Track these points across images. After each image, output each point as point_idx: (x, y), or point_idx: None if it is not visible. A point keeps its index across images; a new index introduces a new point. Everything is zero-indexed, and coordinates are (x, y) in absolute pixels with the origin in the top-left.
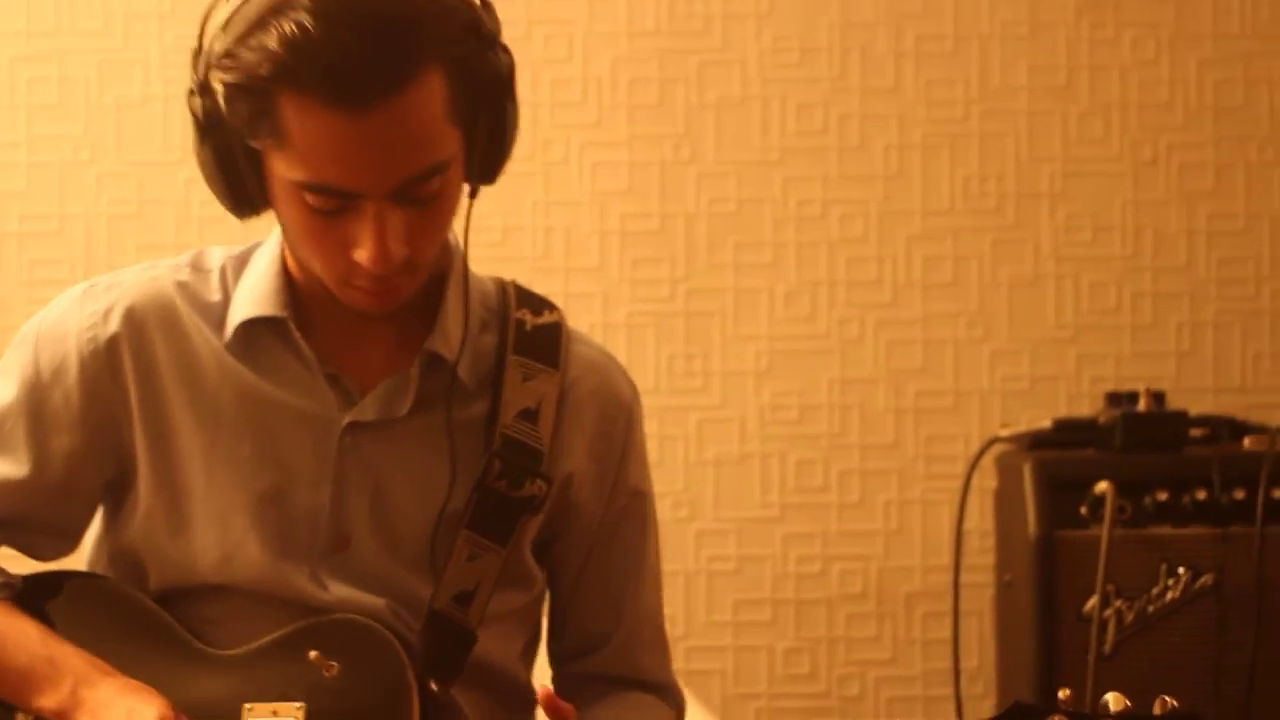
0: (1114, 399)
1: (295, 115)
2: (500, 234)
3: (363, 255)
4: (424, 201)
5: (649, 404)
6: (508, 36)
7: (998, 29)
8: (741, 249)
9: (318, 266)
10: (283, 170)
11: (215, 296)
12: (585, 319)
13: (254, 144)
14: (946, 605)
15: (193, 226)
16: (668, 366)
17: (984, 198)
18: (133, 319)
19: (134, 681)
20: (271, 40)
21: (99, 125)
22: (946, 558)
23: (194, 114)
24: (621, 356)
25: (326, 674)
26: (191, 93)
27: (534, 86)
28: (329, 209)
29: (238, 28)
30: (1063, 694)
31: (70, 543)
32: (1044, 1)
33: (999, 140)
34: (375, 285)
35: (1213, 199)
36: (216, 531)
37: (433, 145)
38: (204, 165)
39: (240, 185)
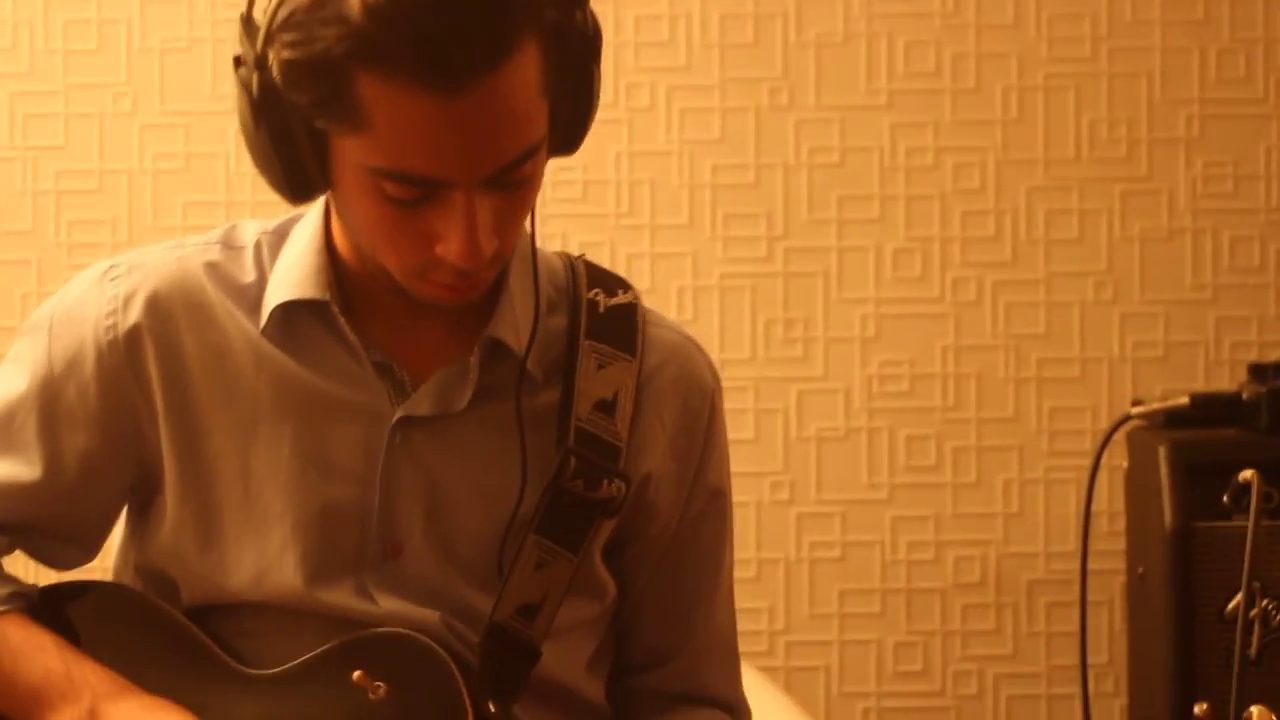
0: (1258, 371)
1: (377, 97)
2: (581, 189)
3: (449, 250)
4: (515, 186)
5: (744, 375)
6: None
7: None
8: (845, 203)
9: (390, 259)
10: (357, 156)
11: (249, 277)
12: (674, 281)
13: (321, 125)
14: (1072, 595)
15: (244, 182)
16: (765, 334)
17: (1113, 145)
18: (157, 305)
19: (157, 699)
20: (353, 10)
21: (141, 72)
22: (1073, 543)
23: (245, 88)
24: (714, 323)
25: (372, 696)
26: (240, 63)
27: (616, 26)
28: (410, 199)
29: None
30: (1199, 709)
31: (90, 551)
32: None
33: (1130, 81)
34: (457, 280)
35: None
36: (252, 544)
37: (529, 125)
38: (255, 146)
39: (300, 170)
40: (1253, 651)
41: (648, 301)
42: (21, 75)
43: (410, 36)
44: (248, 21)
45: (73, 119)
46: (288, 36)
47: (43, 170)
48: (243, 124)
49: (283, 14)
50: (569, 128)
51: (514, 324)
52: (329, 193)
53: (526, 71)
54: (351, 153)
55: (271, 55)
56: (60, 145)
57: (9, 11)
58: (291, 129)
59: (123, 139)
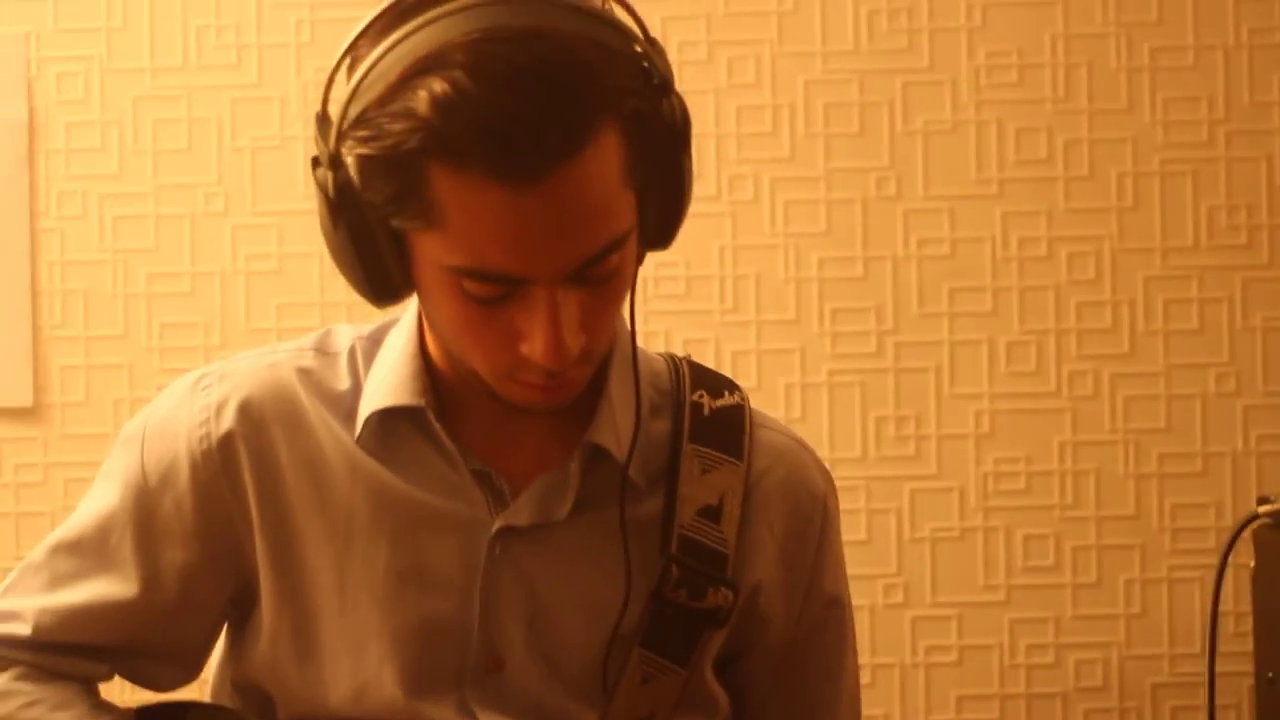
0: None
1: (451, 192)
2: (684, 284)
3: (534, 349)
4: (601, 281)
5: (855, 474)
6: (688, 59)
7: (1245, 37)
8: (957, 296)
9: (476, 360)
10: (435, 254)
11: (344, 384)
12: (781, 378)
13: (397, 224)
14: (1199, 699)
15: (338, 282)
16: (876, 431)
17: (1233, 231)
18: (250, 413)
19: None
20: (421, 104)
21: (233, 171)
22: (1198, 645)
23: (321, 189)
24: (823, 420)
25: None
26: (317, 163)
27: (718, 117)
28: (491, 296)
29: (375, 89)
30: None
31: (191, 670)
32: None
33: (1249, 165)
34: (546, 380)
35: None
36: (349, 658)
37: (612, 217)
38: (335, 248)
39: (381, 271)
40: None
41: (755, 399)
42: (112, 177)
43: (480, 127)
44: (322, 120)
45: (163, 220)
46: (360, 133)
47: (134, 273)
48: (322, 225)
49: (354, 111)
50: (659, 220)
51: (615, 428)
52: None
53: (606, 162)
54: (430, 251)
55: (345, 153)
56: (152, 247)
57: (98, 112)
58: (370, 229)
59: (215, 240)
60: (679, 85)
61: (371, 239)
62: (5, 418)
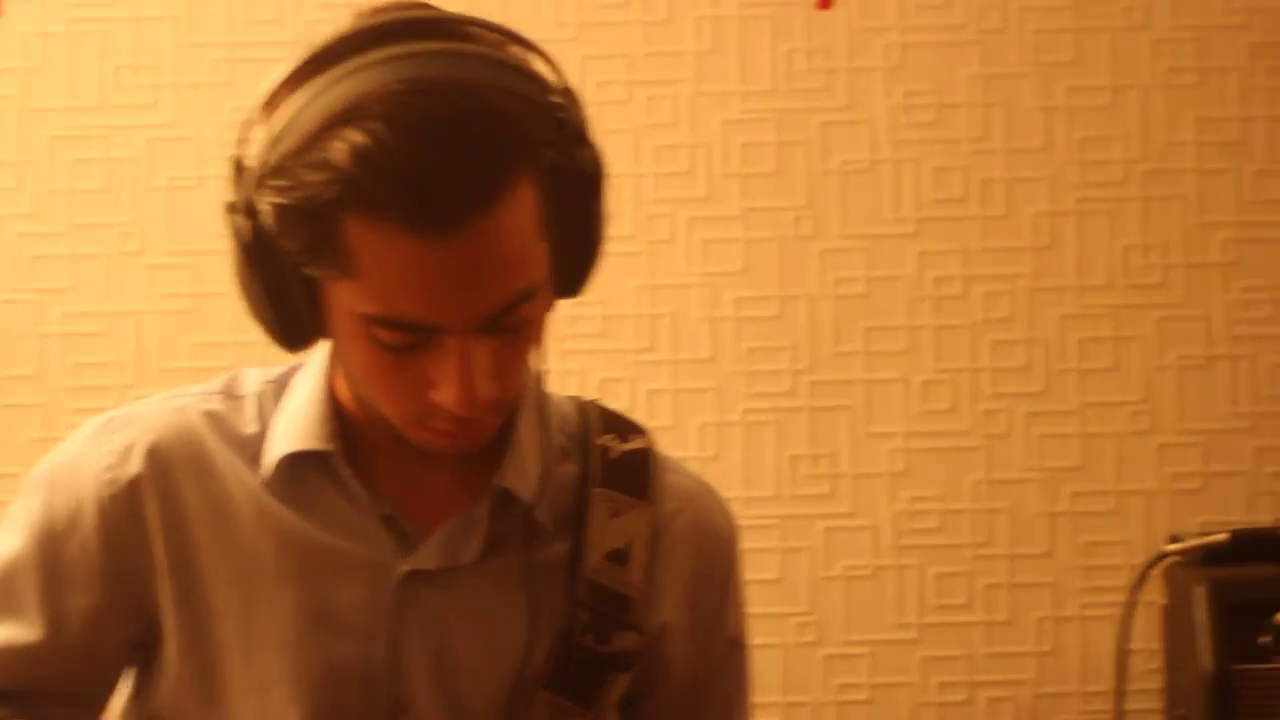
0: None
1: (366, 242)
2: (600, 323)
3: (445, 397)
4: (513, 329)
5: (769, 513)
6: (605, 99)
7: (1160, 77)
8: (872, 335)
9: (387, 407)
10: (347, 302)
11: (251, 428)
12: (696, 417)
13: (311, 272)
14: None
15: (253, 323)
16: (790, 469)
17: (1147, 271)
18: (157, 457)
19: None
20: (338, 155)
21: (149, 211)
22: (1109, 683)
23: (236, 235)
24: (737, 459)
25: None
26: (233, 209)
27: (636, 156)
28: (403, 344)
29: (293, 138)
30: None
31: (94, 712)
32: (1213, 44)
33: (1164, 205)
34: (456, 427)
35: None
36: (255, 701)
37: (525, 267)
38: (248, 293)
39: (293, 317)
40: None
41: (670, 438)
42: (26, 216)
43: (396, 179)
44: (239, 167)
45: (78, 260)
46: (277, 183)
47: (48, 313)
48: (236, 270)
49: (272, 159)
50: (572, 269)
51: (522, 472)
52: (327, 340)
53: (520, 213)
54: (343, 299)
55: (261, 201)
56: (67, 287)
57: (13, 152)
58: (283, 275)
59: (131, 280)
60: (598, 124)
61: (285, 285)
62: None
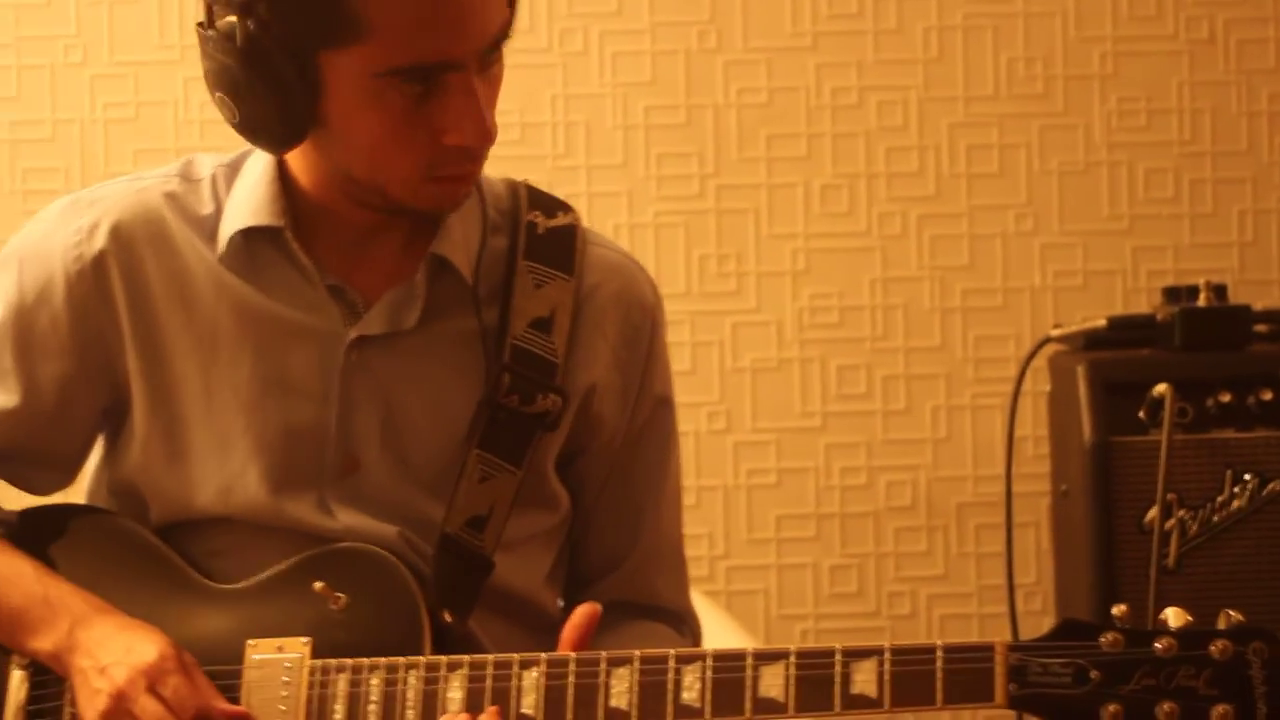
0: (1172, 294)
1: None
2: (519, 131)
3: (465, 131)
4: (495, 63)
5: (680, 309)
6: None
7: None
8: (774, 142)
9: (400, 168)
10: (360, 67)
11: (207, 208)
12: (610, 219)
13: (316, 47)
14: (1000, 517)
15: (193, 129)
16: (699, 269)
17: (1031, 81)
18: (120, 234)
19: (133, 619)
20: None
21: (91, 24)
22: (999, 466)
23: (227, 40)
24: (650, 258)
25: (333, 606)
26: (210, 24)
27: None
28: (416, 95)
29: None
30: (1117, 610)
31: (67, 475)
32: None
33: (1045, 20)
34: (466, 168)
35: (1275, 78)
36: (215, 460)
37: None
38: (246, 96)
39: (291, 110)
40: (1170, 561)
41: None
42: None
43: None
44: None
45: (24, 70)
46: None
47: None
48: (227, 80)
49: None
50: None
51: (457, 243)
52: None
53: None
54: (351, 69)
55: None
56: (13, 95)
57: None
58: (280, 69)
59: (74, 89)
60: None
61: (282, 78)
62: None
